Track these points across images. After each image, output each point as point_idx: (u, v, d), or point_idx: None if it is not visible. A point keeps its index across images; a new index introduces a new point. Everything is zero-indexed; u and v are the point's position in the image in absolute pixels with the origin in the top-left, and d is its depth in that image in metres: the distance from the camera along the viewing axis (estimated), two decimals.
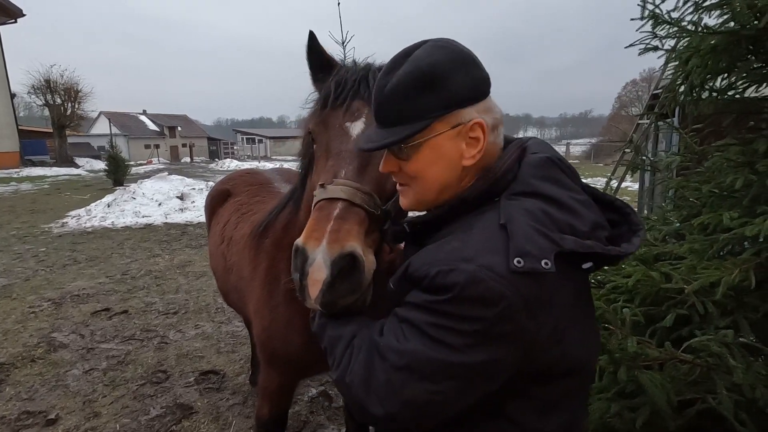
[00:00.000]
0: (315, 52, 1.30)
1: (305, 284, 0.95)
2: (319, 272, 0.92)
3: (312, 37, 1.29)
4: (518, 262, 0.73)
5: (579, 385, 0.91)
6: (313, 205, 1.05)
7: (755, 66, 1.76)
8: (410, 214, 1.07)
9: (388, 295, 0.91)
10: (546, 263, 0.73)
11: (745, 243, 1.69)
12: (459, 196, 0.89)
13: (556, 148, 0.96)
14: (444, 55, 0.84)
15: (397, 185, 0.97)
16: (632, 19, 2.12)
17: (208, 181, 13.37)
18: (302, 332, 1.55)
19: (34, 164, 26.37)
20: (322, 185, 1.05)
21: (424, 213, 0.97)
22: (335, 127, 1.16)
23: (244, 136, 57.77)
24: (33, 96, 30.15)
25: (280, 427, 1.96)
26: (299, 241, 0.98)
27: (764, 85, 1.84)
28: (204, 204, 2.96)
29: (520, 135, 1.14)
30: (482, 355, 0.74)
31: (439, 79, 0.83)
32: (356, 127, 1.14)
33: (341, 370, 0.87)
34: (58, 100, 29.95)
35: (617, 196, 1.02)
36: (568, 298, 0.81)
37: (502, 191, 0.86)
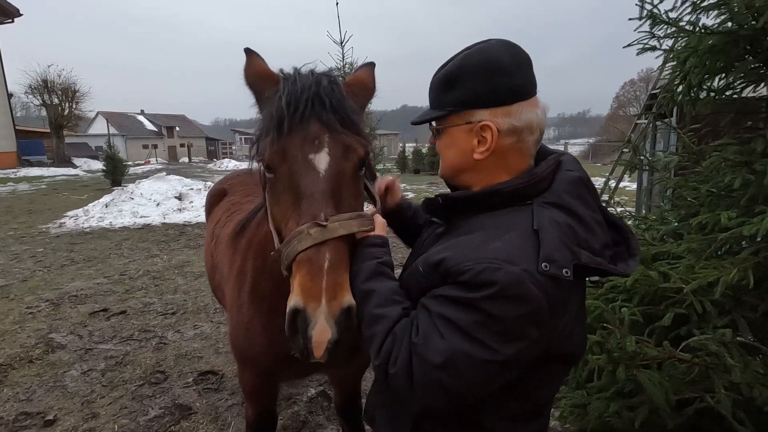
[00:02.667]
0: (253, 71, 1.21)
1: (309, 348, 0.95)
2: (324, 334, 0.94)
3: (249, 54, 1.22)
4: (545, 266, 0.83)
5: (567, 370, 1.10)
6: (300, 250, 0.98)
7: (753, 66, 1.77)
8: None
9: (409, 275, 1.02)
10: (566, 272, 0.84)
11: (743, 242, 1.70)
12: (494, 187, 0.98)
13: (554, 147, 1.01)
14: (476, 60, 0.97)
15: None
16: (630, 19, 2.12)
17: (207, 181, 13.34)
18: (263, 334, 1.53)
19: (31, 164, 26.25)
20: (315, 224, 0.99)
21: (457, 191, 1.07)
22: (297, 159, 1.07)
23: (243, 136, 57.66)
24: (30, 96, 30.02)
25: (269, 427, 1.95)
26: (297, 302, 0.95)
27: (762, 84, 1.84)
28: (203, 204, 3.00)
29: None
30: (512, 350, 0.84)
31: (455, 81, 0.98)
32: (321, 160, 1.07)
33: (383, 357, 0.92)
34: (56, 100, 29.81)
35: (616, 195, 1.09)
36: (577, 303, 0.96)
37: (535, 195, 0.95)
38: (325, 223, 0.99)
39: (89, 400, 3.07)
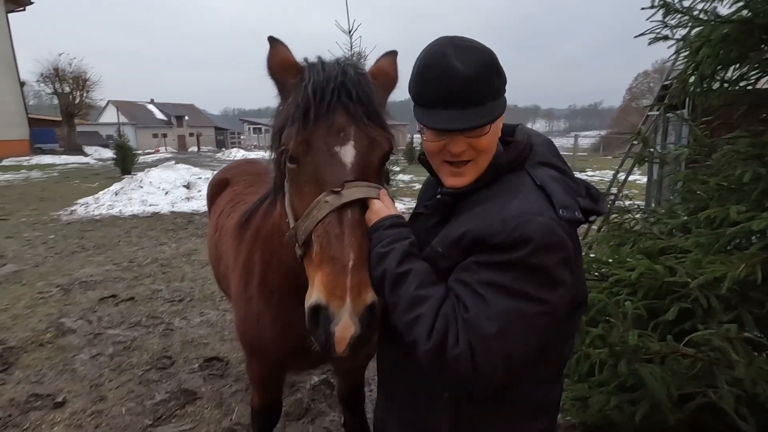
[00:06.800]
0: (277, 61, 1.18)
1: (332, 343, 0.93)
2: (347, 330, 0.92)
3: (273, 43, 1.19)
4: (563, 211, 0.90)
5: (579, 320, 1.16)
6: (320, 218, 0.99)
7: None
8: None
9: (428, 256, 0.99)
10: (578, 213, 0.93)
11: (753, 237, 1.67)
12: (495, 163, 1.01)
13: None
14: (485, 48, 0.97)
15: (452, 167, 1.00)
16: (643, 8, 2.07)
17: (215, 170, 13.39)
18: (272, 326, 1.54)
19: (43, 152, 26.56)
20: (331, 191, 1.00)
21: (469, 183, 1.02)
22: (322, 151, 1.05)
23: (251, 126, 57.68)
24: (42, 84, 30.36)
25: (273, 415, 1.97)
26: (320, 299, 0.94)
27: None
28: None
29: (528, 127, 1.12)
30: (556, 296, 0.88)
31: (499, 65, 0.97)
32: (347, 153, 1.05)
33: (437, 340, 0.86)
34: (67, 89, 30.08)
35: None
36: (579, 247, 1.01)
37: (524, 161, 1.03)
38: (339, 189, 1.01)
39: (98, 383, 3.13)
